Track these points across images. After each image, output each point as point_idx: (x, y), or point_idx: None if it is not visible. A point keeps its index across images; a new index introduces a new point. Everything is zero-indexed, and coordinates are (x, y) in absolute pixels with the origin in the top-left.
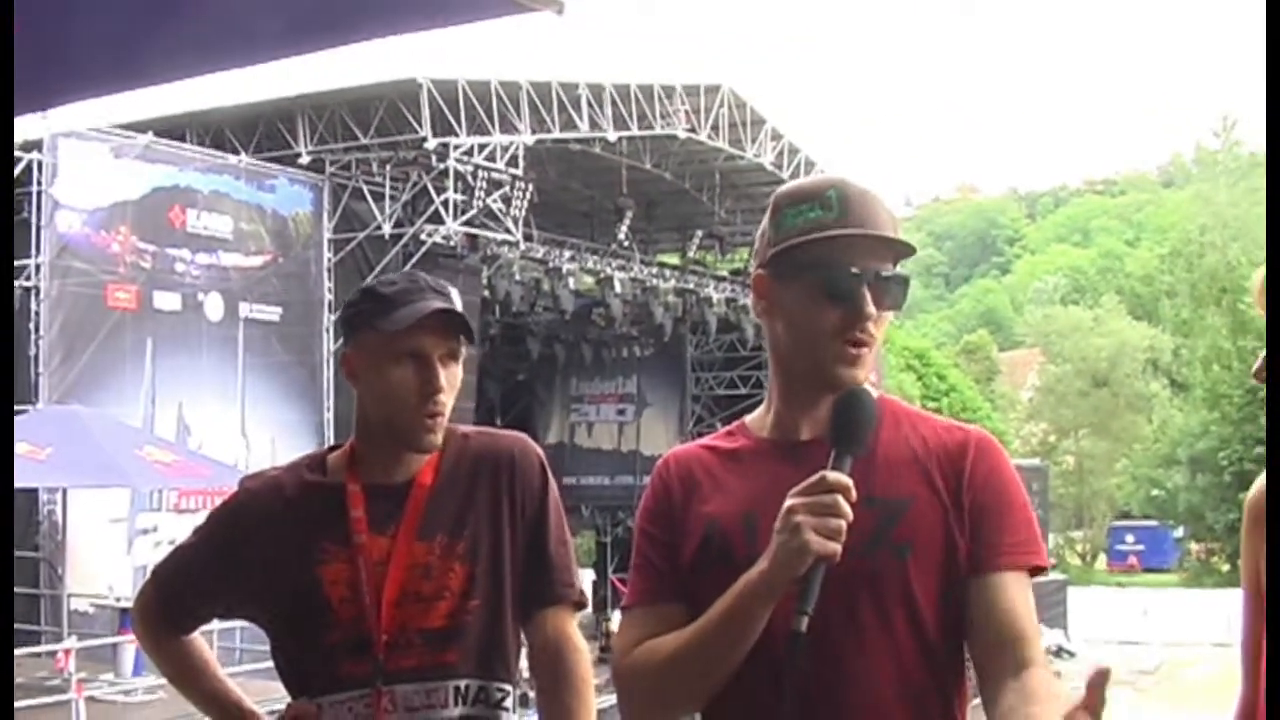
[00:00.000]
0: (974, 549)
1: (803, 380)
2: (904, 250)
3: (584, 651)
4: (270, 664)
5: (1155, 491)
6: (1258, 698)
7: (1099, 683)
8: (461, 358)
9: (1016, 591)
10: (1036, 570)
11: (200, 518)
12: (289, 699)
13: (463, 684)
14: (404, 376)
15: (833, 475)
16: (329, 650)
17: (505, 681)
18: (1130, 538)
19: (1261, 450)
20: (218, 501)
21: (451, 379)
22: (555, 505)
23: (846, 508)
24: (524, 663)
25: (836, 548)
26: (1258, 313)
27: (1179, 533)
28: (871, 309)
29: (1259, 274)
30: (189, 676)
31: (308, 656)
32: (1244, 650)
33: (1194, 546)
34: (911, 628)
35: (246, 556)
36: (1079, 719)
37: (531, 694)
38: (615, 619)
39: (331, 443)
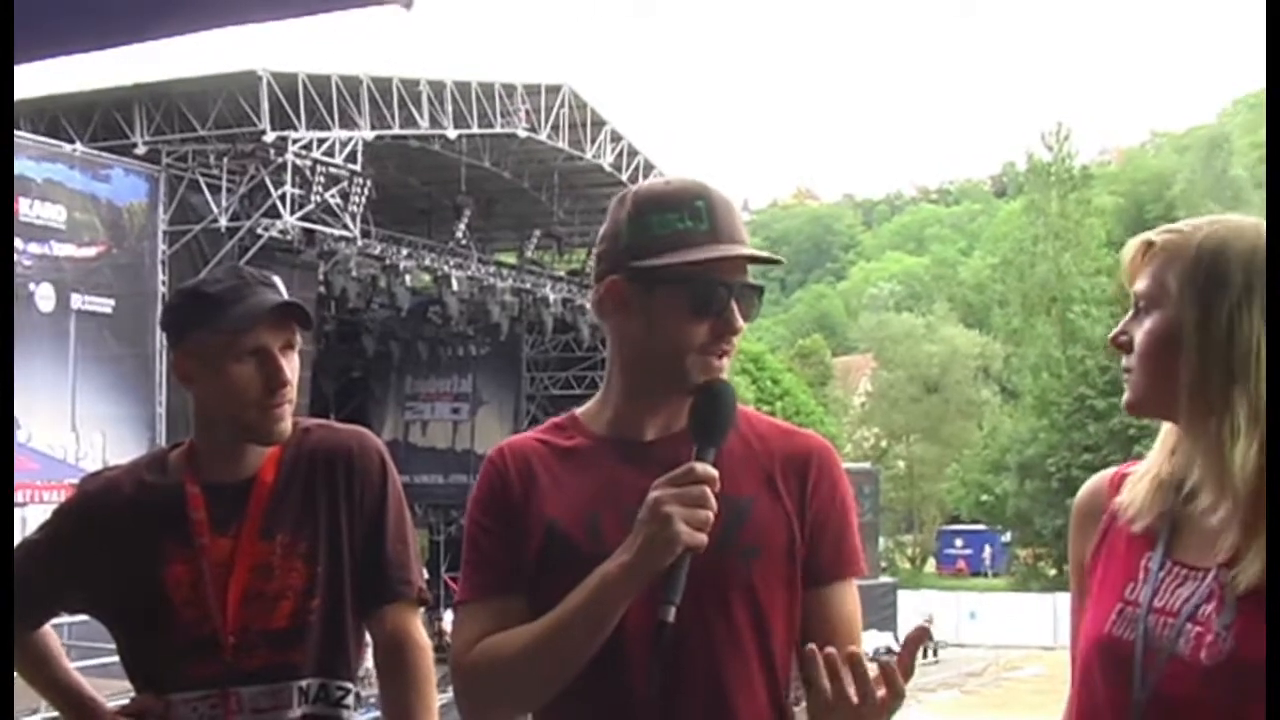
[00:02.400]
0: (814, 559)
1: (657, 382)
2: (765, 262)
3: (425, 648)
4: (100, 660)
5: (984, 497)
6: (1083, 696)
7: (917, 638)
8: (298, 346)
9: (851, 600)
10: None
11: (29, 512)
12: (127, 695)
13: (305, 683)
14: (247, 373)
15: (701, 467)
16: (174, 651)
17: (346, 680)
18: (959, 542)
19: (1088, 457)
20: (46, 496)
21: (292, 368)
22: (396, 501)
23: (713, 500)
24: (368, 660)
25: (704, 539)
26: (1085, 324)
27: (1007, 537)
28: (740, 322)
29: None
30: (39, 668)
31: (153, 657)
32: (1072, 653)
33: (1022, 551)
34: (754, 626)
35: (88, 558)
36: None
37: (373, 691)
38: (448, 617)
39: (164, 436)
